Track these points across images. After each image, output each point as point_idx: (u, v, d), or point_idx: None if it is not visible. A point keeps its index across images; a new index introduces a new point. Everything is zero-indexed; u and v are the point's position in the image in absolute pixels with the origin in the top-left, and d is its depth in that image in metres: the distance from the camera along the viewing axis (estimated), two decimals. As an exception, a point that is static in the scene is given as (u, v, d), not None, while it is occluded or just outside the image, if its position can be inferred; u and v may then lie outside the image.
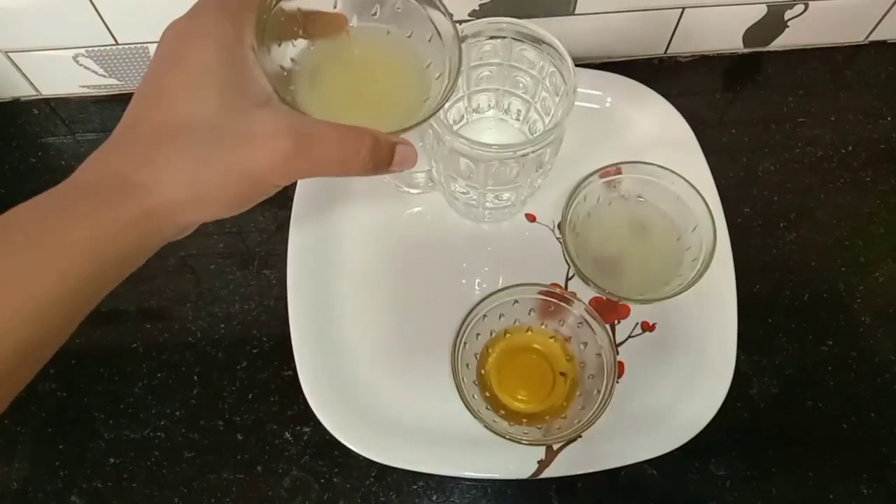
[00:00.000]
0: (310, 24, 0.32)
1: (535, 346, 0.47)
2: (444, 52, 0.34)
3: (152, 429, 0.47)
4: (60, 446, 0.46)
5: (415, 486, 0.45)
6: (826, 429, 0.47)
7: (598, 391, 0.43)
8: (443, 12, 0.33)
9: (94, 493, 0.45)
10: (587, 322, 0.45)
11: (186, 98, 0.28)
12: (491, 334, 0.46)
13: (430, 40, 0.34)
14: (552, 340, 0.47)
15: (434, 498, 0.45)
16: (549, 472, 0.43)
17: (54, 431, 0.47)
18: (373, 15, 0.34)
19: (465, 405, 0.42)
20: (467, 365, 0.44)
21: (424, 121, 0.32)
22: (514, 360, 0.46)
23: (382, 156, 0.31)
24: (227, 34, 0.28)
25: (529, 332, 0.47)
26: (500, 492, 0.45)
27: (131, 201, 0.27)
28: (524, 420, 0.44)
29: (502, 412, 0.44)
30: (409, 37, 0.34)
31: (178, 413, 0.47)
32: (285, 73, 0.32)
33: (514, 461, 0.43)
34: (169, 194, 0.28)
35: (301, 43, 0.32)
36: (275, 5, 0.30)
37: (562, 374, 0.46)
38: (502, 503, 0.45)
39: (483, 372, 0.46)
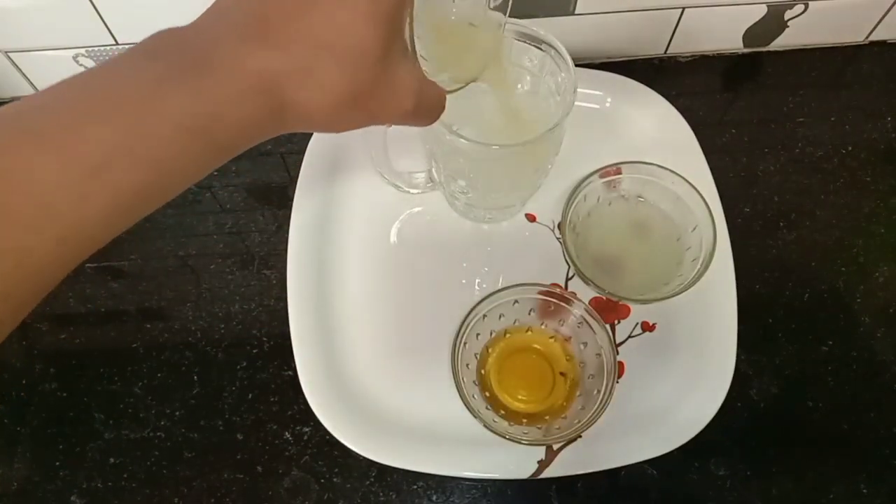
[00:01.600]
0: None
1: (535, 346, 0.47)
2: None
3: (152, 429, 0.47)
4: (60, 446, 0.46)
5: (415, 486, 0.45)
6: (826, 429, 0.47)
7: (598, 391, 0.43)
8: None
9: (94, 493, 0.45)
10: (587, 322, 0.45)
11: (357, 24, 0.27)
12: (491, 334, 0.46)
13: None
14: (552, 340, 0.47)
15: (434, 498, 0.45)
16: (549, 472, 0.43)
17: (54, 431, 0.47)
18: None
19: (465, 405, 0.42)
20: (467, 365, 0.44)
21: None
22: (514, 360, 0.46)
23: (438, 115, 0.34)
24: None
25: (529, 332, 0.47)
26: (500, 492, 0.45)
27: (278, 120, 0.27)
28: (524, 420, 0.44)
29: (502, 412, 0.44)
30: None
31: (178, 413, 0.47)
32: None
33: (514, 461, 0.43)
34: (313, 116, 0.28)
35: None
36: None
37: (562, 374, 0.46)
38: (502, 503, 0.45)
39: (483, 372, 0.46)
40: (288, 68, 0.27)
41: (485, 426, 0.41)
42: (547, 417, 0.44)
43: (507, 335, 0.47)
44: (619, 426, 0.43)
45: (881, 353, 0.49)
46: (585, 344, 0.45)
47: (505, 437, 0.41)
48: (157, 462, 0.46)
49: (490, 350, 0.46)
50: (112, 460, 0.46)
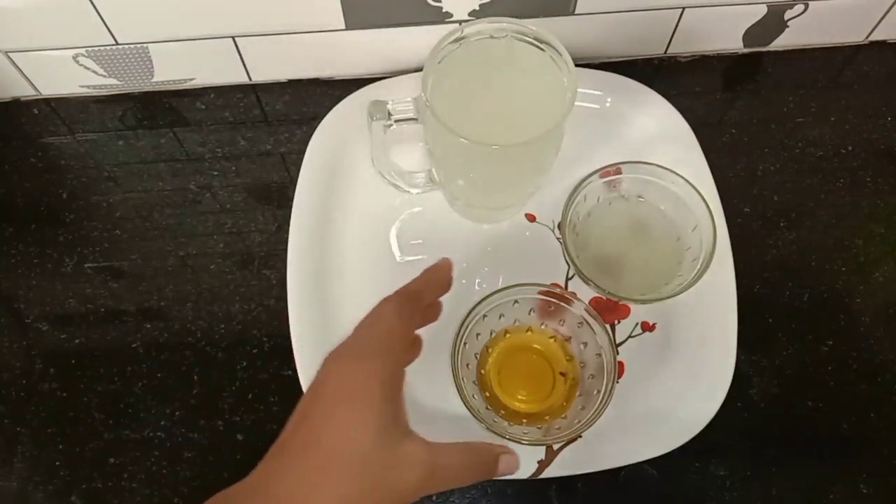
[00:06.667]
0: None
1: (535, 346, 0.47)
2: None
3: (152, 429, 0.47)
4: (60, 446, 0.46)
5: (415, 486, 0.45)
6: (826, 429, 0.47)
7: (598, 391, 0.43)
8: None
9: (94, 493, 0.45)
10: (587, 322, 0.45)
11: (355, 431, 0.33)
12: (491, 334, 0.46)
13: None
14: (552, 340, 0.47)
15: (434, 498, 0.45)
16: (549, 472, 0.43)
17: (54, 431, 0.47)
18: None
19: (466, 405, 0.42)
20: (467, 365, 0.44)
21: None
22: (514, 360, 0.46)
23: (491, 473, 0.37)
24: (389, 376, 0.35)
25: (529, 332, 0.47)
26: (500, 492, 0.45)
27: None
28: (524, 420, 0.44)
29: (502, 412, 0.44)
30: None
31: (178, 413, 0.47)
32: None
33: (514, 461, 0.43)
34: None
35: None
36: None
37: (562, 374, 0.46)
38: (502, 503, 0.45)
39: (483, 372, 0.46)
40: (303, 480, 0.32)
41: (485, 427, 0.41)
42: (547, 417, 0.44)
43: (507, 335, 0.47)
44: (619, 426, 0.43)
45: (881, 353, 0.49)
46: (585, 344, 0.45)
47: (505, 437, 0.41)
48: (157, 462, 0.46)
49: (490, 350, 0.46)
50: (112, 460, 0.46)
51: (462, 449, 0.37)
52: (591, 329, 0.45)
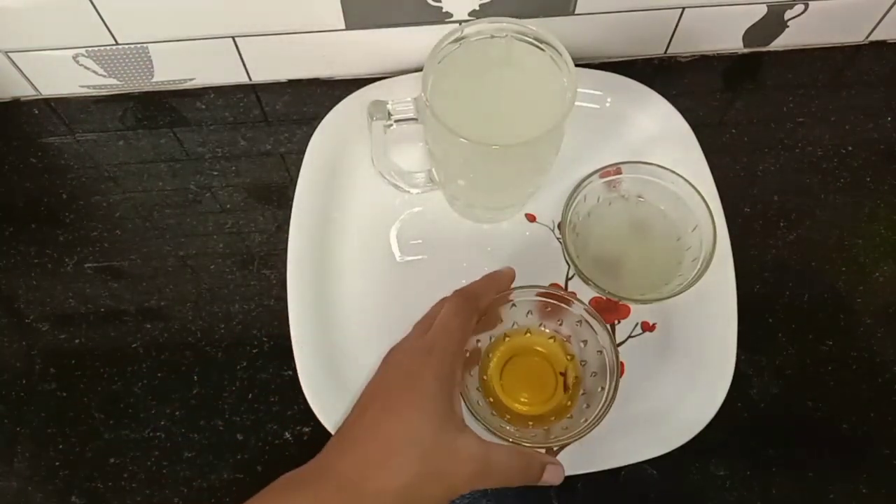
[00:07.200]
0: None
1: (537, 347, 0.47)
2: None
3: (152, 429, 0.47)
4: (60, 446, 0.46)
5: (415, 486, 0.45)
6: (826, 429, 0.47)
7: (602, 388, 0.43)
8: None
9: (94, 493, 0.45)
10: (587, 322, 0.45)
11: (414, 422, 0.35)
12: (490, 339, 0.46)
13: None
14: (551, 341, 0.47)
15: (434, 498, 0.45)
16: (549, 472, 0.43)
17: (54, 431, 0.47)
18: None
19: (471, 412, 0.41)
20: (470, 373, 0.44)
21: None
22: (516, 363, 0.46)
23: (535, 479, 0.39)
24: (445, 371, 0.37)
25: (528, 335, 0.47)
26: (500, 492, 0.45)
27: None
28: (531, 423, 0.44)
29: (507, 417, 0.44)
30: None
31: (178, 413, 0.47)
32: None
33: (514, 461, 0.43)
34: (391, 495, 0.34)
35: None
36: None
37: (562, 374, 0.46)
38: (502, 503, 0.45)
39: (485, 378, 0.45)
40: (362, 463, 0.34)
41: (493, 434, 0.41)
42: (553, 418, 0.44)
43: (507, 339, 0.47)
44: (619, 426, 0.43)
45: (881, 353, 0.49)
46: (585, 342, 0.45)
47: (509, 441, 0.41)
48: (157, 462, 0.46)
49: (490, 356, 0.46)
50: (112, 460, 0.46)
51: (513, 451, 0.38)
52: (592, 329, 0.44)
